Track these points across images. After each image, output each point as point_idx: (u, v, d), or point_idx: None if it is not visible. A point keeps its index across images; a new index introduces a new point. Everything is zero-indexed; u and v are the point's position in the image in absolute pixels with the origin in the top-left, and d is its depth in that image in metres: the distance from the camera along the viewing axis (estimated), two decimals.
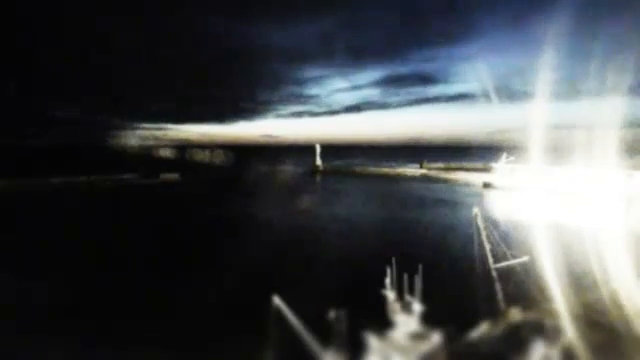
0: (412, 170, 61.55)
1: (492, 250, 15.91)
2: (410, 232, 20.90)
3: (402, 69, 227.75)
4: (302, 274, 14.10)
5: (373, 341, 8.78)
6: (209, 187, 45.77)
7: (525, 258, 14.99)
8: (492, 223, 21.76)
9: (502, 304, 11.01)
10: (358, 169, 64.65)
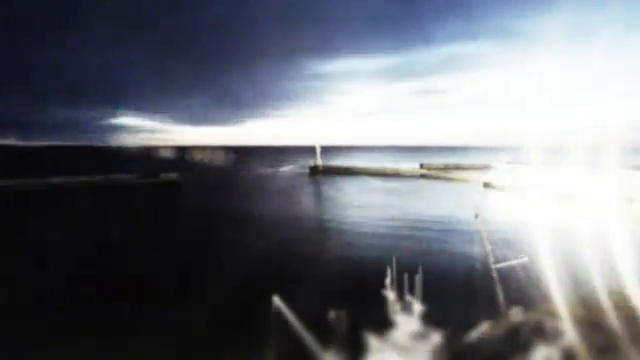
0: (413, 169, 61.51)
1: (492, 250, 15.87)
2: (409, 230, 20.85)
3: (416, 79, 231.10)
4: (302, 269, 14.07)
5: (373, 341, 8.75)
6: (208, 187, 45.81)
7: (525, 258, 14.96)
8: (492, 223, 21.73)
9: (502, 304, 10.98)
10: (358, 168, 64.56)
